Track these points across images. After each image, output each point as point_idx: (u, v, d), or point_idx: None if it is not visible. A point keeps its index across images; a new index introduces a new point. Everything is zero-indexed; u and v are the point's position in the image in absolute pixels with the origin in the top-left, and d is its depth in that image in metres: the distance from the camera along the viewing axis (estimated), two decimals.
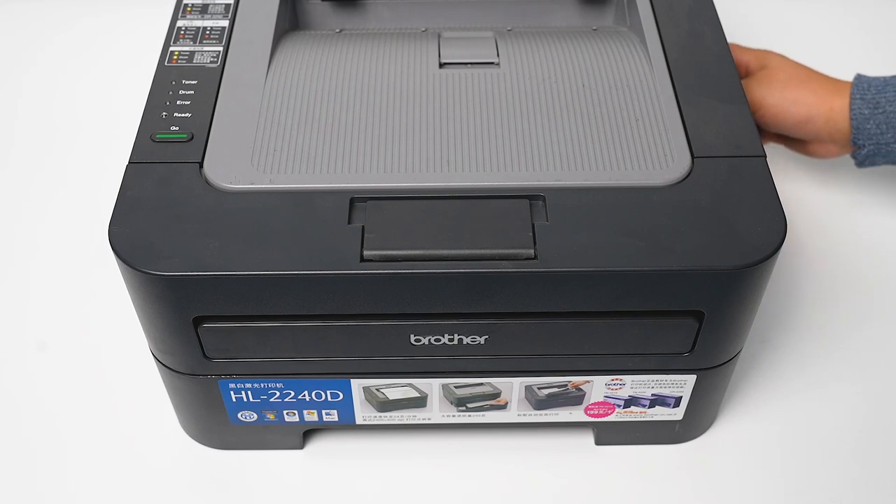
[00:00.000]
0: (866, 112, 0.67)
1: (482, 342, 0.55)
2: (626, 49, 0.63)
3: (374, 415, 0.62)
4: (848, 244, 0.79)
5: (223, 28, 0.64)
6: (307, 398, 0.60)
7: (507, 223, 0.51)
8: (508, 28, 0.68)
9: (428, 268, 0.50)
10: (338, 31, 0.68)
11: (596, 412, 0.62)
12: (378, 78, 0.61)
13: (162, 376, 0.60)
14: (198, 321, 0.53)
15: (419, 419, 0.63)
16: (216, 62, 0.61)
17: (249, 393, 0.59)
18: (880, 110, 0.67)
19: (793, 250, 0.78)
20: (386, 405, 0.61)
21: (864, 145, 0.69)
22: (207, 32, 0.64)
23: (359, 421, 0.62)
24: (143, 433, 0.66)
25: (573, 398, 0.61)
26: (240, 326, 0.54)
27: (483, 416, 0.62)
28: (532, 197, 0.53)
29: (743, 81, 0.70)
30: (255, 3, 0.66)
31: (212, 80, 0.60)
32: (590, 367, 0.58)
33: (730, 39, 0.65)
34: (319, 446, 0.66)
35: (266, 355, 0.56)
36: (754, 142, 0.56)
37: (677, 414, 0.63)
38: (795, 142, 0.76)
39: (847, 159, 0.74)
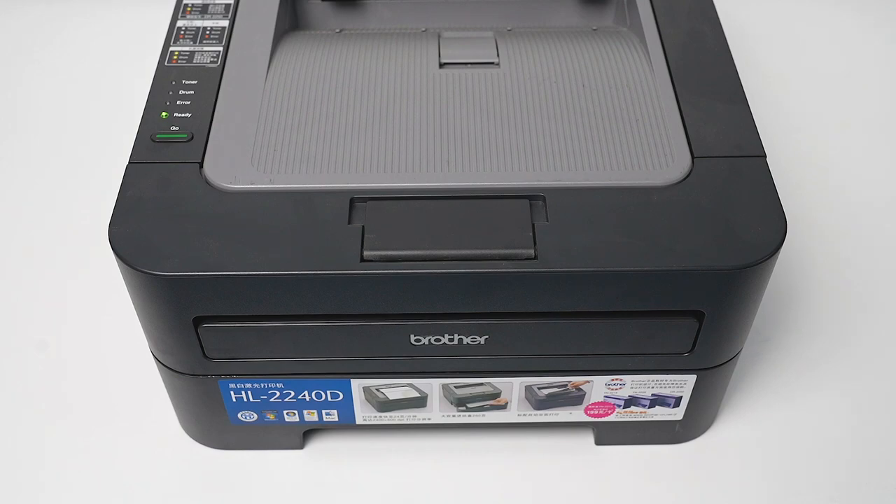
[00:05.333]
0: None
1: (482, 342, 0.55)
2: (626, 49, 0.63)
3: (374, 415, 0.62)
4: (848, 244, 0.79)
5: (223, 28, 0.64)
6: (307, 398, 0.60)
7: (507, 223, 0.51)
8: (508, 28, 0.68)
9: (428, 268, 0.50)
10: (338, 31, 0.68)
11: (596, 412, 0.62)
12: (378, 78, 0.61)
13: (162, 376, 0.60)
14: (198, 321, 0.53)
15: (419, 419, 0.63)
16: (216, 62, 0.61)
17: (249, 393, 0.59)
18: None
19: (793, 250, 0.78)
20: (386, 405, 0.61)
21: None
22: (207, 32, 0.64)
23: (359, 421, 0.62)
24: (143, 433, 0.66)
25: (573, 398, 0.61)
26: (240, 326, 0.54)
27: (483, 416, 0.62)
28: (532, 197, 0.53)
29: None
30: (255, 3, 0.66)
31: (212, 80, 0.60)
32: (590, 367, 0.58)
33: (730, 39, 0.65)
34: (319, 446, 0.66)
35: (266, 355, 0.56)
36: (754, 142, 0.56)
37: (677, 414, 0.63)
38: None
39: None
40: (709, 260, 0.50)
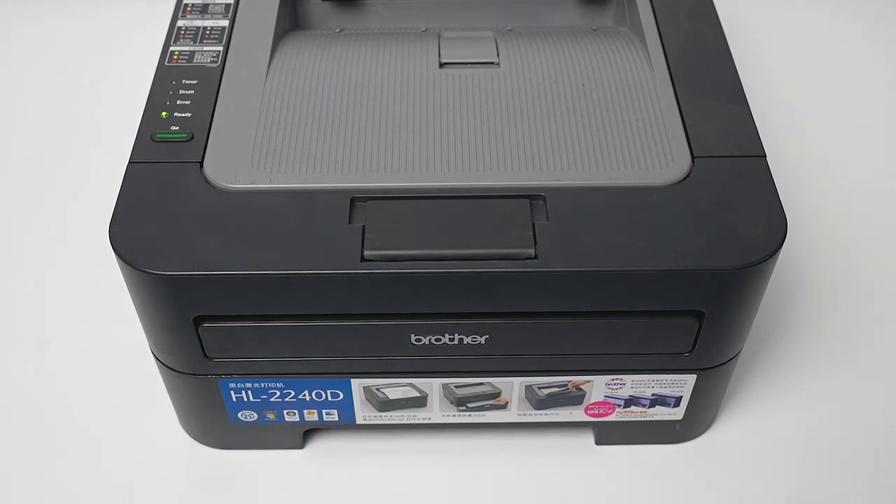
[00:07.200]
0: None
1: (482, 342, 0.55)
2: (626, 49, 0.63)
3: (375, 414, 0.62)
4: (848, 244, 0.79)
5: (223, 28, 0.64)
6: (307, 398, 0.60)
7: (507, 223, 0.51)
8: (508, 28, 0.68)
9: (428, 268, 0.50)
10: (338, 31, 0.68)
11: (596, 412, 0.62)
12: (378, 78, 0.61)
13: (162, 376, 0.60)
14: (198, 321, 0.53)
15: (419, 419, 0.63)
16: (216, 62, 0.61)
17: (249, 392, 0.59)
18: None
19: (793, 250, 0.78)
20: (386, 405, 0.61)
21: None
22: (207, 32, 0.64)
23: (359, 421, 0.62)
24: (143, 433, 0.66)
25: (573, 398, 0.61)
26: (240, 326, 0.54)
27: (483, 415, 0.62)
28: (532, 197, 0.53)
29: None
30: (255, 3, 0.66)
31: (212, 80, 0.60)
32: (590, 366, 0.58)
33: (730, 39, 0.65)
34: (319, 446, 0.66)
35: (266, 355, 0.56)
36: (754, 142, 0.56)
37: (677, 414, 0.63)
38: None
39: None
40: (709, 260, 0.50)
